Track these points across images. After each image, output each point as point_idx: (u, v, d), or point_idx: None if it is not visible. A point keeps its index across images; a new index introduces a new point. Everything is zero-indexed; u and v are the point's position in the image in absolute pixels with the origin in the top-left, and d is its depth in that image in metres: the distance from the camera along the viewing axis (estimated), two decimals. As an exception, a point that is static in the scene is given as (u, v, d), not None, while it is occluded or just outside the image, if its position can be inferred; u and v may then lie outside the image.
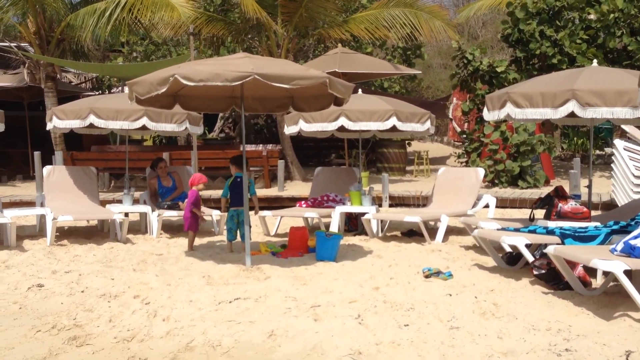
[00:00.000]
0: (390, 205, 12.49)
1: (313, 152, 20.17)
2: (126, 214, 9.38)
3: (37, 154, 13.00)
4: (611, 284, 5.18)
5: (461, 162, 17.30)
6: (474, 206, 8.74)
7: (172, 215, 8.61)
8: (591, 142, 7.09)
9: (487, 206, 8.95)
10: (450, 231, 8.71)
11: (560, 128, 19.36)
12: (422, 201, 12.03)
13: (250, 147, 16.47)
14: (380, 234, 8.64)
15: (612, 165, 10.88)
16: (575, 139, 19.74)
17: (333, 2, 15.53)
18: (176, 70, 5.46)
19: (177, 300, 5.04)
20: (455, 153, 18.60)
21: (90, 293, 5.35)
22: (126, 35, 18.97)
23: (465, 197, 8.83)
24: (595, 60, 6.92)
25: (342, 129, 8.69)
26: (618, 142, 10.74)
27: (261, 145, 17.02)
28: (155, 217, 8.58)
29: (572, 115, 6.15)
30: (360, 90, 9.19)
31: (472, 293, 5.23)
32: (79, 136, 12.67)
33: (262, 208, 11.32)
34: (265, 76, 5.38)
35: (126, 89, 6.66)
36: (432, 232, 8.35)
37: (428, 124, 8.63)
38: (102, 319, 4.65)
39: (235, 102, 7.09)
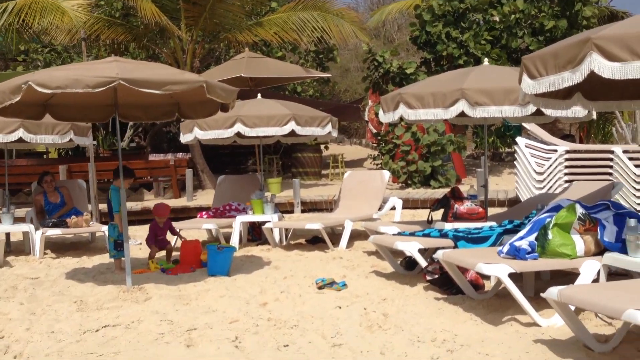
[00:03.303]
0: (303, 211, 12.22)
1: (229, 159, 19.65)
2: (8, 234, 8.69)
3: None
4: (502, 285, 5.03)
5: (376, 164, 17.26)
6: (380, 209, 8.56)
7: (56, 233, 7.97)
8: (485, 141, 7.02)
9: (394, 208, 8.77)
10: (358, 236, 8.48)
11: (471, 127, 19.68)
12: (334, 206, 11.80)
13: (158, 157, 15.79)
14: (284, 242, 8.32)
15: (515, 162, 11.00)
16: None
17: (239, 6, 15.11)
18: (30, 77, 4.93)
19: (36, 332, 4.51)
20: (371, 155, 18.54)
21: (-63, 329, 4.73)
22: (25, 43, 17.91)
23: (370, 201, 8.64)
24: (486, 59, 6.84)
25: (241, 135, 8.33)
26: (520, 140, 10.87)
27: (170, 154, 16.37)
28: (38, 236, 7.92)
29: (463, 114, 6.02)
30: (259, 95, 8.86)
31: (362, 304, 4.97)
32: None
33: (171, 219, 10.86)
34: (132, 81, 4.93)
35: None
36: (339, 237, 8.07)
37: (329, 127, 8.38)
38: (-56, 360, 4.08)
39: (116, 110, 6.56)
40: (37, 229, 8.10)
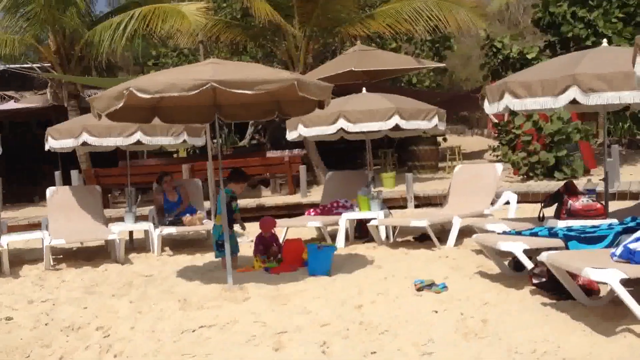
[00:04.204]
0: (417, 206, 11.92)
1: (345, 154, 19.65)
2: (131, 232, 9.22)
3: (57, 173, 13.02)
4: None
5: (497, 156, 16.52)
6: (493, 204, 8.12)
7: (171, 232, 8.32)
8: (605, 130, 6.40)
9: (509, 203, 8.28)
10: (469, 233, 8.09)
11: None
12: (444, 201, 11.42)
13: (275, 153, 16.11)
14: (391, 240, 8.14)
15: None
16: (620, 123, 18.58)
17: None
18: (132, 83, 5.14)
19: (139, 331, 4.70)
20: (492, 146, 17.77)
21: (54, 325, 5.06)
22: (153, 48, 19.04)
23: (481, 196, 8.21)
24: (605, 40, 6.21)
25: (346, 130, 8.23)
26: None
27: (287, 150, 16.64)
28: (156, 235, 8.32)
29: (575, 102, 5.51)
30: (364, 89, 8.71)
31: (461, 308, 4.70)
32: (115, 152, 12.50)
33: (283, 216, 11.06)
34: (225, 83, 4.99)
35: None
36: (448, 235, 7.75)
37: (435, 120, 8.07)
38: (55, 356, 4.36)
39: (218, 111, 6.71)
40: (157, 227, 8.52)
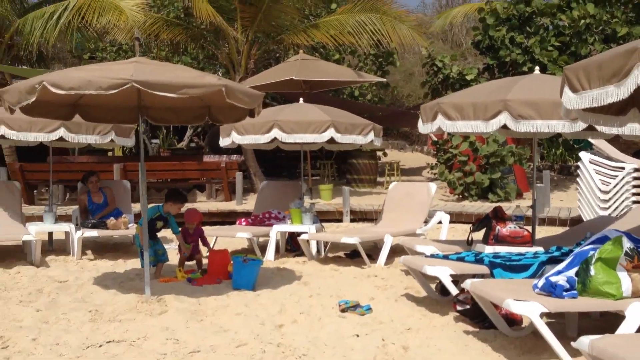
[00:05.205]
0: (352, 220, 11.86)
1: (285, 163, 19.48)
2: (51, 233, 8.75)
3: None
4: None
5: (434, 174, 16.68)
6: (426, 223, 8.11)
7: (93, 235, 7.93)
8: (534, 157, 6.48)
9: (441, 223, 8.29)
10: (401, 251, 8.04)
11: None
12: (377, 218, 11.40)
13: (212, 158, 15.77)
14: (322, 255, 8.01)
15: (577, 179, 10.27)
16: (553, 149, 19.14)
17: (294, 7, 14.89)
18: (46, 77, 4.82)
19: (40, 344, 4.37)
20: (430, 164, 17.96)
21: (-52, 333, 4.67)
22: (87, 41, 18.34)
23: (415, 215, 8.18)
24: (537, 68, 6.29)
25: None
26: (584, 155, 10.14)
27: (225, 156, 16.33)
28: (76, 237, 7.91)
29: (506, 127, 5.53)
30: (301, 99, 8.58)
31: (383, 333, 4.58)
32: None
33: (215, 223, 10.78)
34: (146, 84, 4.73)
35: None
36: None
37: (371, 136, 8.01)
38: (-58, 369, 3.99)
39: (146, 112, 6.41)
40: (78, 228, 8.10)
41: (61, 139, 7.90)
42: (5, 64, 14.20)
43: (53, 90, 4.70)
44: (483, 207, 12.33)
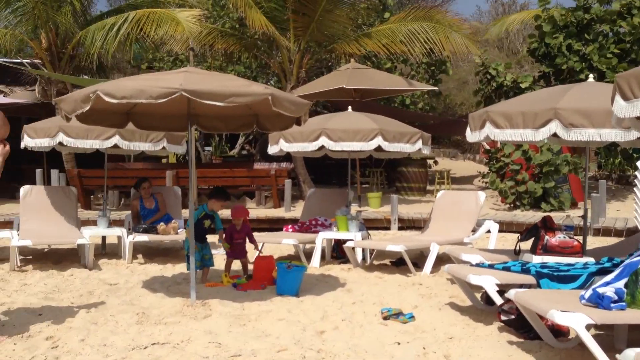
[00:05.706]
0: (400, 228, 11.79)
1: (335, 170, 19.51)
2: (104, 237, 9.02)
3: (38, 171, 12.83)
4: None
5: (485, 182, 16.39)
6: (474, 232, 7.99)
7: (144, 239, 8.13)
8: (587, 165, 6.28)
9: (490, 232, 8.15)
10: (447, 260, 7.94)
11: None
12: (424, 226, 11.28)
13: (262, 165, 15.95)
14: (367, 262, 7.99)
15: (634, 188, 9.90)
16: (611, 159, 18.53)
17: (346, 16, 14.95)
18: (99, 86, 4.99)
19: (88, 344, 4.51)
20: (481, 172, 17.67)
21: (4, 332, 4.87)
22: (145, 52, 18.89)
23: (462, 223, 8.08)
24: (591, 76, 6.12)
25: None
26: (641, 164, 9.75)
27: (274, 163, 16.49)
28: (127, 241, 8.13)
29: (556, 136, 5.40)
30: (350, 107, 8.60)
31: (425, 341, 4.53)
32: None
33: (263, 229, 10.90)
34: (195, 93, 4.85)
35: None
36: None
37: (419, 144, 7.96)
38: (-4, 365, 4.17)
39: (196, 121, 6.57)
40: (130, 233, 8.33)
41: (115, 146, 8.16)
42: (68, 74, 14.75)
43: (106, 99, 4.88)
44: (535, 216, 12.05)
